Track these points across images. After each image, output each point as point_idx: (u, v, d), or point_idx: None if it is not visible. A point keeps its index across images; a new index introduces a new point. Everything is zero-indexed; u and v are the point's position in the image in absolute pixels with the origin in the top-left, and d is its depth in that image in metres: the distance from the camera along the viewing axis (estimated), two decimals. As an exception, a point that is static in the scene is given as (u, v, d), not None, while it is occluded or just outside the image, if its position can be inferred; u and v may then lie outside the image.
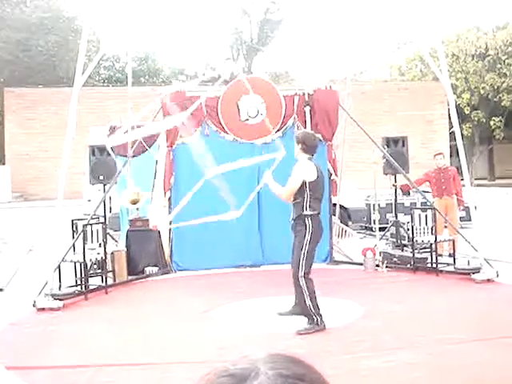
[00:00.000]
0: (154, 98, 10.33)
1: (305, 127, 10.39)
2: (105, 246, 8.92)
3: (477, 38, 35.92)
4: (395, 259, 10.04)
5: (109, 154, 9.92)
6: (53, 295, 7.93)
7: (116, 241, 10.70)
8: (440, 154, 11.48)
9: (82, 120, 14.28)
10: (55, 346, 6.33)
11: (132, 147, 10.57)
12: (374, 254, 9.94)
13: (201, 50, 43.58)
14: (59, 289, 8.42)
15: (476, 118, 36.43)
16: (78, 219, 9.36)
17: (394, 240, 11.04)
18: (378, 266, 9.84)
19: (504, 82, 35.17)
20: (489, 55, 35.53)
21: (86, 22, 10.82)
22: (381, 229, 11.23)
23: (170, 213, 10.13)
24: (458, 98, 33.31)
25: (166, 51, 45.24)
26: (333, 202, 11.08)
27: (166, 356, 5.87)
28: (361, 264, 9.97)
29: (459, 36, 36.89)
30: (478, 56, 35.79)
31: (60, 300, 7.88)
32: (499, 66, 35.47)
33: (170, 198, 10.21)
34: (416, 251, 9.74)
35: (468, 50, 35.67)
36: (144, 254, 10.08)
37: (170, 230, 10.24)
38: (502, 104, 35.76)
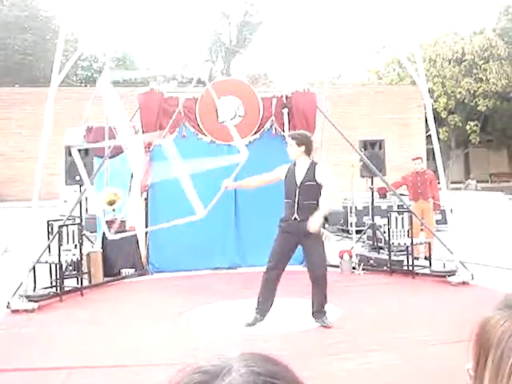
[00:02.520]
0: (130, 98, 10.29)
1: (283, 129, 10.41)
2: (80, 247, 8.85)
3: (454, 43, 36.18)
4: (372, 262, 10.09)
5: (86, 155, 9.83)
6: (27, 297, 7.86)
7: (92, 242, 10.61)
8: (418, 158, 11.59)
9: (58, 120, 14.17)
10: (29, 347, 6.27)
11: (109, 148, 10.51)
12: (351, 257, 9.98)
13: (179, 52, 43.46)
14: (34, 290, 8.34)
15: (452, 122, 36.70)
16: (54, 220, 9.28)
17: (371, 243, 11.10)
18: (354, 268, 9.89)
19: (480, 86, 35.45)
20: (465, 60, 35.79)
21: (63, 22, 10.75)
22: (357, 231, 11.29)
23: (147, 219, 10.09)
24: (434, 102, 33.57)
25: (144, 52, 45.10)
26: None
27: (141, 358, 5.84)
28: (337, 266, 9.98)
29: (437, 40, 37.15)
30: (455, 61, 36.04)
31: (35, 302, 7.81)
32: (475, 71, 35.75)
33: (146, 199, 10.19)
34: (392, 254, 9.79)
35: (445, 54, 35.90)
36: (120, 255, 10.02)
37: (146, 231, 10.20)
38: (478, 108, 36.06)
